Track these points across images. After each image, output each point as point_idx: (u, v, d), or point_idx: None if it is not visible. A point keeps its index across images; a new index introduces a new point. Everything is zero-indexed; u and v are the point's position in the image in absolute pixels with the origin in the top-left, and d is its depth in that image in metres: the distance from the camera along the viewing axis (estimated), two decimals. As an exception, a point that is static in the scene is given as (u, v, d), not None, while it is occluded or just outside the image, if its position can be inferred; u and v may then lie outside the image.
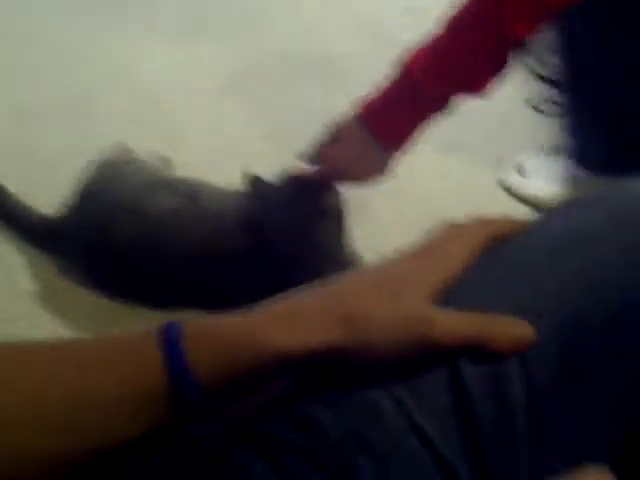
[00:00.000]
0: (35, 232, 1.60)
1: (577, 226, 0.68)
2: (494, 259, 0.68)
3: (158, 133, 1.92)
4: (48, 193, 1.70)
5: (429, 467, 0.60)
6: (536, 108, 2.05)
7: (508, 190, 1.82)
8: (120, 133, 1.89)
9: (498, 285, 0.66)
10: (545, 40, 2.09)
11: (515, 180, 1.82)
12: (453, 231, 0.69)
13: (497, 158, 1.89)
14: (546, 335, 0.62)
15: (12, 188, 1.64)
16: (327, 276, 0.92)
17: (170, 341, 0.58)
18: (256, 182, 1.47)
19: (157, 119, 1.97)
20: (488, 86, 1.29)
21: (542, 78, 2.11)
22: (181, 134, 1.92)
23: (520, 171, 1.83)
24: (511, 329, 0.62)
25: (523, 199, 1.80)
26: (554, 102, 2.03)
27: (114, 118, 1.96)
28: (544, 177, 1.79)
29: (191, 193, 1.51)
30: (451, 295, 0.65)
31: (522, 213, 1.75)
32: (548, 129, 1.98)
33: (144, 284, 1.50)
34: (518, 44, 1.24)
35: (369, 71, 2.13)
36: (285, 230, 1.45)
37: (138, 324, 1.47)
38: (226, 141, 1.91)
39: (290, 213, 1.45)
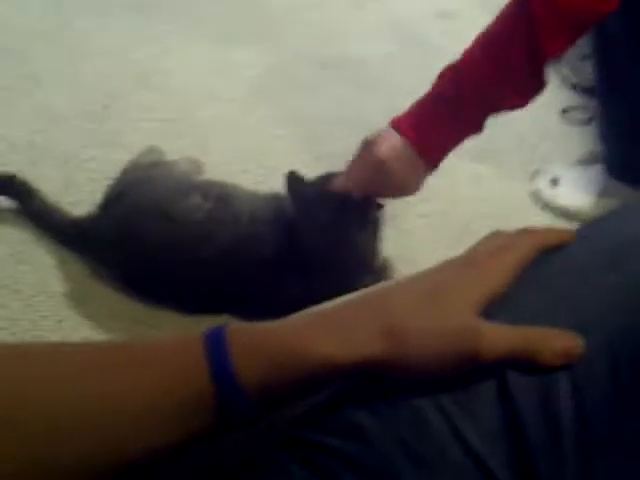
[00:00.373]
0: (66, 233, 1.59)
1: (623, 237, 0.67)
2: (541, 271, 0.67)
3: (188, 135, 1.92)
4: (79, 194, 1.70)
5: (474, 478, 0.59)
6: (570, 117, 2.02)
7: (541, 200, 1.80)
8: (150, 135, 1.90)
9: (545, 298, 0.65)
10: (578, 47, 2.07)
11: (548, 190, 1.80)
12: (501, 242, 0.68)
13: (530, 167, 1.87)
14: (595, 350, 0.61)
15: (44, 189, 1.64)
16: (361, 283, 0.91)
17: (215, 348, 0.58)
18: (293, 180, 1.46)
19: (187, 121, 1.96)
20: (529, 101, 1.27)
21: (575, 86, 2.09)
22: (211, 137, 1.92)
23: (553, 181, 1.81)
24: (559, 341, 0.61)
25: (556, 210, 1.78)
26: (588, 111, 2.02)
27: (144, 120, 1.96)
28: (578, 187, 1.77)
29: (222, 196, 1.50)
30: (498, 307, 0.64)
31: (554, 224, 1.73)
32: (582, 138, 1.96)
33: (175, 288, 1.49)
34: (555, 58, 1.22)
35: (401, 76, 2.15)
36: (321, 233, 1.44)
37: (170, 328, 1.48)
38: (256, 145, 1.90)
39: (327, 215, 1.44)
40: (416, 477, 0.59)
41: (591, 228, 0.73)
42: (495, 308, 0.64)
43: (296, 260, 1.45)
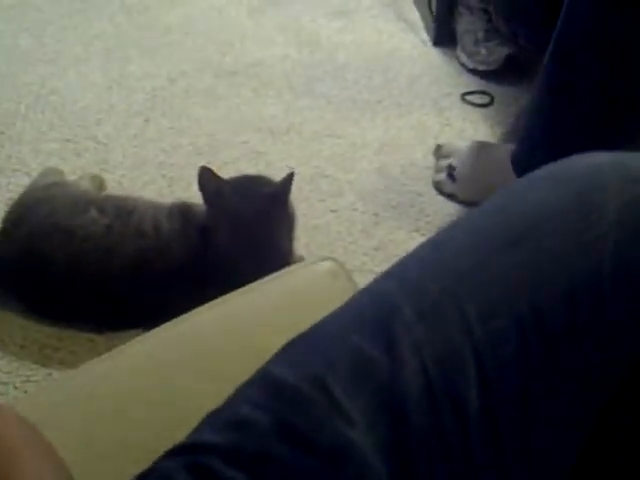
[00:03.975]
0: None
1: (521, 214, 0.66)
2: (444, 250, 0.67)
3: (89, 153, 1.89)
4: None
5: (347, 459, 0.58)
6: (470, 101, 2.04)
7: (443, 193, 1.78)
8: (50, 156, 1.87)
9: (447, 280, 0.64)
10: (472, 33, 2.10)
11: (448, 185, 1.77)
12: None
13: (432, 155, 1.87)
14: (504, 331, 0.60)
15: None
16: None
17: None
18: (206, 175, 1.44)
19: (87, 139, 1.93)
20: None
21: (473, 71, 2.11)
22: (112, 152, 1.89)
23: (450, 174, 1.77)
24: None
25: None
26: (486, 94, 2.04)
27: (42, 141, 1.92)
28: (474, 182, 1.74)
29: (121, 210, 1.48)
30: (402, 291, 0.63)
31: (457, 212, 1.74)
32: (482, 122, 1.98)
33: (85, 306, 1.46)
34: None
35: (300, 77, 2.14)
36: (237, 229, 1.43)
37: (81, 350, 1.45)
38: (159, 156, 1.88)
39: (245, 208, 1.43)
40: (292, 459, 0.58)
41: (491, 206, 0.72)
42: (399, 291, 0.63)
43: (211, 264, 1.43)
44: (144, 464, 0.63)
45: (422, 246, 0.69)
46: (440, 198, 1.77)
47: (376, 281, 0.69)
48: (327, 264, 0.92)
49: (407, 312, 0.62)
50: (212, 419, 0.63)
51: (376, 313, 0.63)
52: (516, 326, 0.60)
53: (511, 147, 1.67)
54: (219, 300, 0.90)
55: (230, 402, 0.64)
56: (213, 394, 0.65)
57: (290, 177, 1.44)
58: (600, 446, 0.65)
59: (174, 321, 0.87)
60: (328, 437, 0.58)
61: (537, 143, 1.57)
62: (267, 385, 0.62)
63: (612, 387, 0.64)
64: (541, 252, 0.63)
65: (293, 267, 0.97)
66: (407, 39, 2.27)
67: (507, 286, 0.62)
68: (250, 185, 1.48)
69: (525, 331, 0.60)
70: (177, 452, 0.62)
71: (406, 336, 0.60)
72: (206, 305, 0.89)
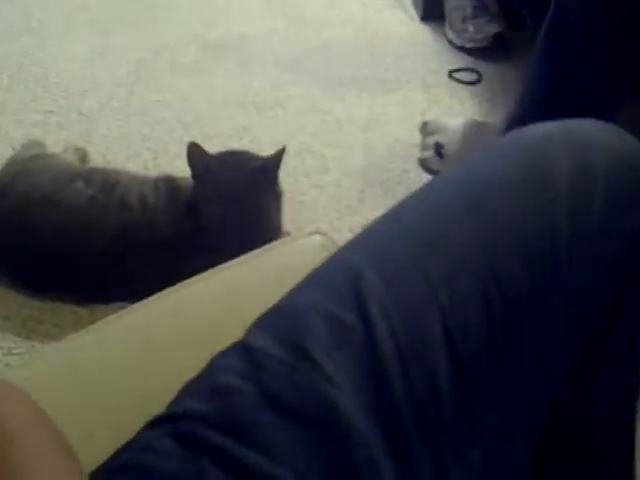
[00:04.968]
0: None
1: (478, 180, 0.68)
2: (405, 217, 0.68)
3: (73, 125, 1.87)
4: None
5: (334, 426, 0.58)
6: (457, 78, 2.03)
7: (429, 170, 1.77)
8: (33, 128, 1.85)
9: (412, 248, 0.65)
10: (460, 10, 2.09)
11: (435, 163, 1.76)
12: None
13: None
14: (468, 296, 0.61)
15: None
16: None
17: None
18: (195, 149, 1.44)
19: (71, 111, 1.91)
20: None
21: (461, 48, 2.10)
22: (96, 125, 1.87)
23: (438, 151, 1.76)
24: None
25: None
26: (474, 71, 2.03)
27: (26, 112, 1.90)
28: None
29: (106, 183, 1.46)
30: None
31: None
32: (470, 99, 1.97)
33: (70, 278, 1.45)
34: None
35: (285, 51, 2.13)
36: (226, 201, 1.42)
37: (65, 322, 1.44)
38: (143, 129, 1.86)
39: (235, 180, 1.43)
40: (276, 428, 0.58)
41: (449, 175, 0.74)
42: (364, 258, 0.64)
43: (198, 239, 1.42)
44: (129, 435, 0.63)
45: (386, 215, 0.70)
46: (426, 175, 1.76)
47: (341, 250, 0.70)
48: (315, 238, 0.92)
49: (372, 277, 0.63)
50: (191, 389, 0.64)
51: (345, 280, 0.64)
52: (478, 289, 0.62)
53: (499, 125, 1.67)
54: (207, 273, 0.89)
55: (208, 372, 0.64)
56: (199, 366, 0.65)
57: (281, 152, 1.44)
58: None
59: (161, 293, 0.87)
60: (313, 402, 0.58)
61: (531, 115, 1.57)
62: (248, 355, 0.62)
63: (578, 349, 0.66)
64: (495, 218, 0.65)
65: (282, 241, 0.97)
66: (394, 15, 2.26)
67: (467, 252, 0.63)
68: (238, 160, 1.47)
69: (487, 294, 0.62)
70: (159, 422, 0.63)
71: (375, 300, 0.62)
72: (194, 278, 0.89)
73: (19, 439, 0.54)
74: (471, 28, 2.06)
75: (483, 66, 2.06)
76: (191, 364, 0.65)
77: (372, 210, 1.67)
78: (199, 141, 1.45)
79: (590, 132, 0.69)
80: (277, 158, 1.44)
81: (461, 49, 2.10)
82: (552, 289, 0.63)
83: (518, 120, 1.59)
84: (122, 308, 0.90)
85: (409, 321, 0.61)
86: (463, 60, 2.08)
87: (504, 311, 0.61)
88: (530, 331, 0.62)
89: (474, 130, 1.75)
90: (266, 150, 1.47)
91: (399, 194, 1.71)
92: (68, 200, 1.43)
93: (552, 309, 0.63)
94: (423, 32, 2.19)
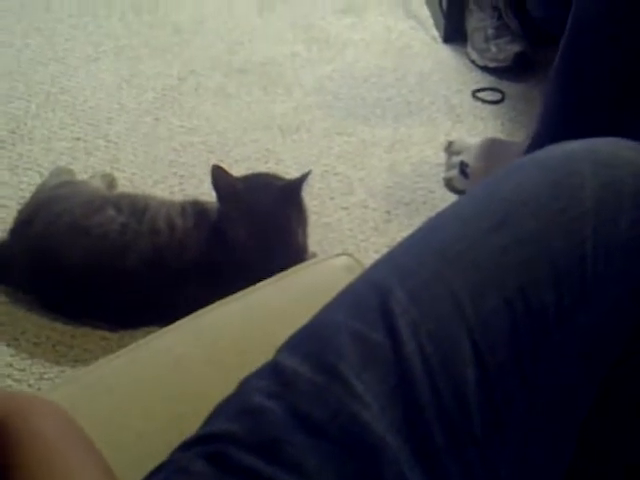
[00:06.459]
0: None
1: (504, 198, 0.68)
2: (432, 236, 0.69)
3: (100, 151, 1.89)
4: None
5: (363, 443, 0.59)
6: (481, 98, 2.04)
7: (454, 190, 1.78)
8: (61, 155, 1.87)
9: (437, 264, 0.65)
10: (482, 30, 2.09)
11: (461, 182, 1.77)
12: None
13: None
14: (493, 312, 0.62)
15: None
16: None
17: None
18: (219, 173, 1.44)
19: (98, 138, 1.93)
20: None
21: (484, 68, 2.10)
22: (123, 151, 1.89)
23: (462, 170, 1.77)
24: None
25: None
26: (498, 91, 2.03)
27: (54, 140, 1.92)
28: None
29: (135, 208, 1.48)
30: (392, 275, 0.65)
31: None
32: (493, 118, 1.97)
33: (99, 304, 1.47)
34: None
35: (308, 74, 2.14)
36: (252, 224, 1.43)
37: (94, 347, 1.45)
38: (170, 154, 1.88)
39: (261, 202, 1.43)
40: (306, 447, 0.58)
41: (475, 193, 0.75)
42: (392, 276, 0.64)
43: (226, 262, 1.43)
44: (162, 457, 0.64)
45: (412, 234, 0.71)
46: (451, 195, 1.77)
47: (369, 270, 0.71)
48: (342, 259, 0.93)
49: (400, 295, 0.63)
50: (223, 410, 0.64)
51: (372, 299, 0.64)
52: (506, 306, 0.62)
53: (523, 143, 1.67)
54: (236, 296, 0.90)
55: (239, 393, 0.65)
56: (230, 388, 0.65)
57: (306, 175, 1.45)
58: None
59: (191, 316, 0.87)
60: (343, 421, 0.59)
61: (554, 133, 1.57)
62: (278, 376, 0.63)
63: (610, 362, 0.66)
64: (522, 235, 0.65)
65: (308, 263, 0.98)
66: (417, 36, 2.27)
67: (494, 269, 0.64)
68: (263, 182, 1.49)
69: (514, 311, 0.62)
70: (192, 443, 0.63)
71: (403, 318, 0.62)
72: (223, 301, 0.90)
73: (63, 450, 0.55)
74: (493, 48, 2.07)
75: (506, 85, 2.06)
76: (222, 386, 0.66)
77: (398, 231, 1.67)
78: (225, 165, 1.47)
79: (614, 150, 0.69)
80: (301, 179, 1.45)
81: (484, 69, 2.11)
82: (579, 305, 0.63)
83: (541, 138, 1.59)
84: (150, 333, 0.91)
85: (437, 337, 0.61)
86: (486, 80, 2.09)
87: (531, 327, 0.62)
88: (559, 345, 0.63)
89: (498, 149, 1.75)
90: (291, 173, 1.48)
91: (425, 214, 1.71)
92: (99, 226, 1.44)
93: (579, 325, 0.63)
94: (446, 53, 2.20)
